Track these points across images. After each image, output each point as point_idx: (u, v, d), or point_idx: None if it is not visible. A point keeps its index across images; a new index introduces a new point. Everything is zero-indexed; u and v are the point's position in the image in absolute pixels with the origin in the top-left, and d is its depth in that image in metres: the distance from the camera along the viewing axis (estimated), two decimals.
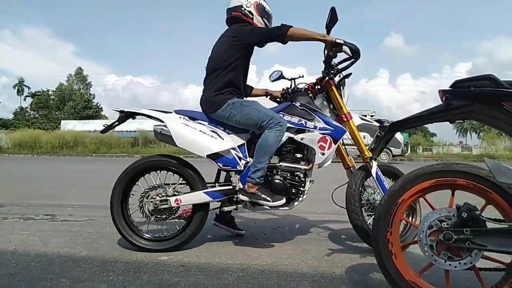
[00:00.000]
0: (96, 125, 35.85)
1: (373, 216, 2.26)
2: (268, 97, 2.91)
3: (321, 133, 2.34)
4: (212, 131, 2.43)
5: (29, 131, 22.91)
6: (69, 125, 35.06)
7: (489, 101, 1.37)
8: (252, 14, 2.54)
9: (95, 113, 52.55)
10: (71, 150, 19.75)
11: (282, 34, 2.32)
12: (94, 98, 57.63)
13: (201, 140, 2.39)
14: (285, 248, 2.46)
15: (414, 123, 1.62)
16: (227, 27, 2.61)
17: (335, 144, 2.34)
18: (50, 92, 55.90)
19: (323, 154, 2.34)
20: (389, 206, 1.53)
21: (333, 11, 2.28)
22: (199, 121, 2.49)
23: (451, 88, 1.50)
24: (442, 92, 1.51)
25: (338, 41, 2.26)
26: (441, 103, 1.52)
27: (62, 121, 38.85)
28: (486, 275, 1.45)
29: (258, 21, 2.55)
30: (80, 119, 41.71)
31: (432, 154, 23.03)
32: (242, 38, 2.44)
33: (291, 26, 2.31)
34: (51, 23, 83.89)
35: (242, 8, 2.53)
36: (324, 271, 2.00)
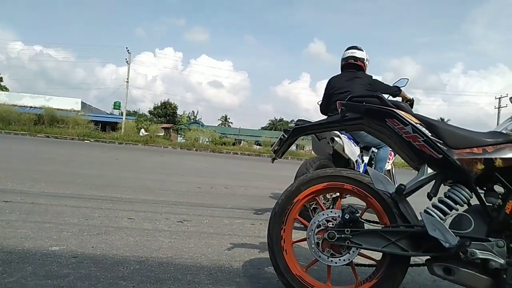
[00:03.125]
0: None
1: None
2: None
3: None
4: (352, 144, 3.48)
5: None
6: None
7: (376, 117, 1.54)
8: (366, 67, 3.76)
9: None
10: None
11: (397, 94, 3.67)
12: None
13: (353, 149, 3.43)
14: (187, 242, 2.46)
15: (314, 130, 1.75)
16: (344, 65, 3.77)
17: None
18: None
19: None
20: (285, 205, 1.63)
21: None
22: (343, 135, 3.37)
23: (347, 102, 1.65)
24: (340, 104, 1.66)
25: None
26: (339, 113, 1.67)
27: None
28: (361, 269, 1.63)
29: (367, 71, 3.78)
30: None
31: None
32: (376, 89, 3.49)
33: (401, 90, 3.69)
34: None
35: (365, 60, 3.73)
36: (222, 265, 2.06)
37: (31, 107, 28.07)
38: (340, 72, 3.82)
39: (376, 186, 1.48)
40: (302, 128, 1.75)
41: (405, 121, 1.48)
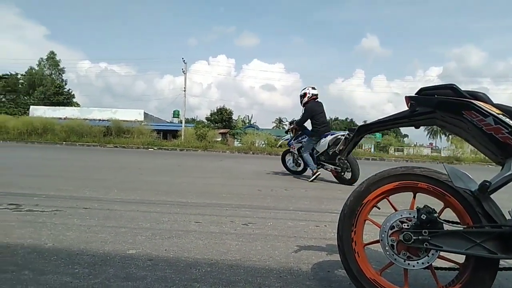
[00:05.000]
0: (67, 112, 34.86)
1: None
2: None
3: None
4: None
5: None
6: (39, 111, 33.82)
7: (450, 110, 1.44)
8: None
9: (66, 100, 50.90)
10: (39, 137, 19.05)
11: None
12: (66, 84, 55.85)
13: None
14: (254, 244, 2.49)
15: (380, 127, 1.68)
16: (315, 97, 7.01)
17: None
18: (19, 76, 53.67)
19: None
20: (354, 206, 1.59)
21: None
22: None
23: (416, 95, 1.56)
24: (408, 99, 1.57)
25: None
26: (407, 109, 1.58)
27: (31, 107, 37.39)
28: (442, 274, 1.53)
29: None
30: (50, 105, 40.28)
31: (403, 154, 23.72)
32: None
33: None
34: (20, 2, 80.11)
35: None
36: (290, 267, 2.04)
37: (100, 120, 30.37)
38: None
39: (455, 184, 1.38)
40: (367, 126, 1.69)
41: (485, 112, 1.36)
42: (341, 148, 2.00)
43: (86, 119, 28.83)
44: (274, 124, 68.84)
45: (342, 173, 6.45)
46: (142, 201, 3.91)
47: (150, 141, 20.50)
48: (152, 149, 18.12)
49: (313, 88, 6.97)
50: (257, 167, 9.91)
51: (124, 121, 26.25)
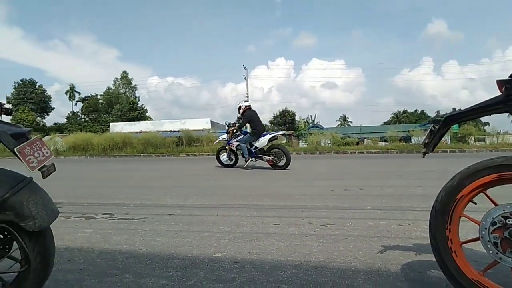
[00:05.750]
0: (142, 126, 37.42)
1: None
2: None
3: None
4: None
5: (81, 134, 24.27)
6: (117, 127, 36.81)
7: None
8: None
9: (140, 115, 54.69)
10: (120, 151, 20.70)
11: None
12: (139, 100, 60.07)
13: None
14: (336, 245, 2.45)
15: (470, 116, 1.55)
16: (249, 108, 9.53)
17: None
18: (99, 97, 58.97)
19: None
20: (446, 202, 1.49)
21: None
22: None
23: (511, 78, 1.43)
24: (501, 83, 1.44)
25: None
26: (500, 93, 1.45)
27: (111, 124, 40.77)
28: None
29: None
30: (127, 121, 43.60)
31: (486, 144, 21.69)
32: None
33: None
34: (95, 29, 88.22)
35: None
36: (378, 268, 1.98)
37: (171, 131, 32.19)
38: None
39: None
40: (455, 116, 1.57)
41: None
42: (426, 142, 1.86)
43: (159, 131, 30.73)
44: (339, 122, 67.26)
45: (278, 162, 8.73)
46: (220, 206, 4.06)
47: (219, 147, 21.20)
48: None
49: (246, 101, 9.83)
50: (326, 167, 9.75)
51: (193, 130, 27.53)
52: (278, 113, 55.74)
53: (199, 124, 35.86)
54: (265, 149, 9.03)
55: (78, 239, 2.78)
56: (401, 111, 72.91)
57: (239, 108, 9.45)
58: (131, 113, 53.20)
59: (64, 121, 56.65)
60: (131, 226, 3.19)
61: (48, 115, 57.70)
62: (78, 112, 58.19)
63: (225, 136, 9.81)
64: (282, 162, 8.65)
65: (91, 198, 4.88)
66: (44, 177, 1.47)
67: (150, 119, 52.87)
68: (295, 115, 55.88)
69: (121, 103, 55.10)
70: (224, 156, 9.77)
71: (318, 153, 19.09)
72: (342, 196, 4.55)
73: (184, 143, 23.08)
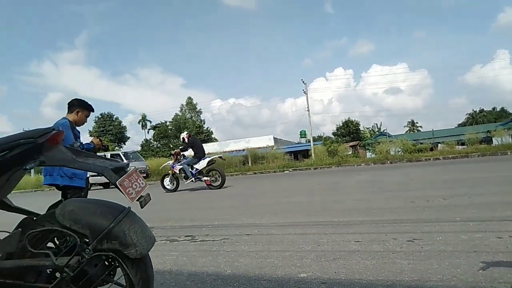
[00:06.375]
0: (209, 147, 38.90)
1: None
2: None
3: None
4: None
5: (156, 160, 25.89)
6: (187, 151, 38.68)
7: None
8: None
9: (207, 137, 56.97)
10: None
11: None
12: (204, 123, 62.77)
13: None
14: (428, 263, 2.29)
15: None
16: (194, 135, 14.59)
17: None
18: (168, 123, 62.70)
19: None
20: None
21: None
22: None
23: None
24: None
25: None
26: None
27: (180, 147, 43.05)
28: None
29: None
30: None
31: None
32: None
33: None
34: (160, 61, 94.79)
35: None
36: (483, 287, 1.80)
37: (236, 150, 33.08)
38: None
39: None
40: None
41: None
42: None
43: (225, 151, 31.73)
44: (407, 128, 63.84)
45: (214, 182, 10.09)
46: (296, 224, 4.03)
47: (285, 163, 21.22)
48: (287, 171, 18.69)
49: (186, 133, 11.13)
50: (399, 177, 9.26)
51: (257, 148, 28.00)
52: (340, 124, 54.50)
53: (263, 141, 36.37)
54: (204, 172, 10.36)
55: (167, 262, 2.92)
56: (477, 111, 67.38)
57: (183, 139, 10.77)
58: (198, 136, 55.63)
59: (139, 148, 60.87)
60: (213, 248, 3.29)
61: (125, 144, 62.50)
62: (150, 139, 62.26)
63: (170, 162, 11.17)
64: (218, 183, 10.10)
65: (172, 220, 5.13)
66: (142, 207, 1.58)
67: (216, 140, 54.79)
68: (359, 124, 54.15)
69: (188, 127, 57.89)
70: (167, 181, 10.92)
71: (388, 162, 18.24)
72: (425, 208, 4.27)
73: (250, 161, 23.51)
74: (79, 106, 3.69)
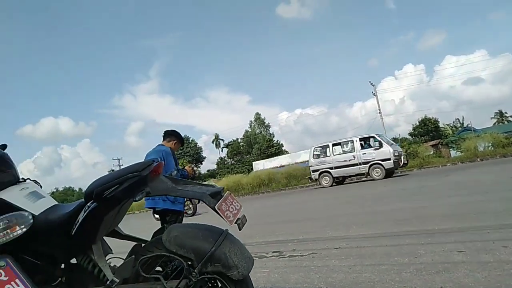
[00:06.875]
0: (281, 160, 39.13)
1: None
2: None
3: None
4: None
5: (232, 177, 26.63)
6: (259, 165, 39.31)
7: None
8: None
9: (277, 150, 57.35)
10: (267, 187, 21.92)
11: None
12: (273, 137, 63.35)
13: None
14: None
15: None
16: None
17: None
18: (239, 140, 64.48)
19: None
20: None
21: None
22: None
23: None
24: None
25: None
26: None
27: (253, 163, 43.76)
28: None
29: None
30: (266, 158, 46.20)
31: None
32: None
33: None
34: (226, 82, 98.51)
35: None
36: None
37: (308, 161, 32.84)
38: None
39: None
40: None
41: None
42: None
43: (297, 162, 31.61)
44: (495, 120, 57.75)
45: (188, 210, 10.65)
46: (386, 234, 3.84)
47: None
48: (365, 178, 17.98)
49: None
50: (495, 175, 8.38)
51: None
52: (417, 123, 51.17)
53: None
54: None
55: (260, 280, 2.95)
56: None
57: None
58: (269, 150, 56.27)
59: (215, 167, 63.35)
60: (303, 263, 3.26)
61: (201, 164, 65.41)
62: (224, 157, 64.47)
63: None
64: (190, 212, 10.97)
65: (257, 236, 5.20)
66: (240, 229, 1.63)
67: (287, 152, 54.83)
68: (438, 121, 50.25)
69: (259, 142, 58.93)
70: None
71: (478, 160, 16.67)
72: None
73: None
74: (177, 138, 3.98)
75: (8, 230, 1.38)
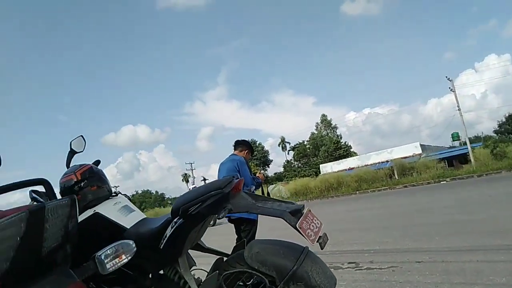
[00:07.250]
0: (349, 162, 37.95)
1: None
2: None
3: None
4: None
5: (300, 180, 26.47)
6: (327, 168, 38.54)
7: None
8: None
9: (345, 152, 55.81)
10: (336, 191, 21.40)
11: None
12: (341, 138, 61.78)
13: None
14: None
15: None
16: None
17: None
18: (305, 142, 63.95)
19: None
20: None
21: None
22: None
23: None
24: None
25: None
26: None
27: (321, 165, 43.02)
28: None
29: None
30: (334, 160, 45.16)
31: None
32: None
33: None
34: (291, 84, 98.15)
35: None
36: None
37: (378, 163, 31.32)
38: None
39: None
40: None
41: None
42: None
43: (367, 165, 30.43)
44: None
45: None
46: (476, 248, 3.51)
47: (440, 173, 19.08)
48: (444, 182, 16.74)
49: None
50: None
51: (402, 158, 25.94)
52: (503, 120, 46.39)
53: (408, 150, 33.49)
54: None
55: None
56: None
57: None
58: (336, 152, 54.99)
59: (281, 169, 63.60)
60: (382, 277, 3.11)
61: (268, 167, 66.12)
62: (291, 160, 64.39)
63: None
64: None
65: (329, 245, 5.08)
66: (322, 248, 1.60)
67: (355, 154, 53.13)
68: None
69: (326, 144, 57.85)
70: None
71: None
72: None
73: (397, 174, 21.93)
74: (248, 148, 4.07)
75: (117, 259, 1.53)
